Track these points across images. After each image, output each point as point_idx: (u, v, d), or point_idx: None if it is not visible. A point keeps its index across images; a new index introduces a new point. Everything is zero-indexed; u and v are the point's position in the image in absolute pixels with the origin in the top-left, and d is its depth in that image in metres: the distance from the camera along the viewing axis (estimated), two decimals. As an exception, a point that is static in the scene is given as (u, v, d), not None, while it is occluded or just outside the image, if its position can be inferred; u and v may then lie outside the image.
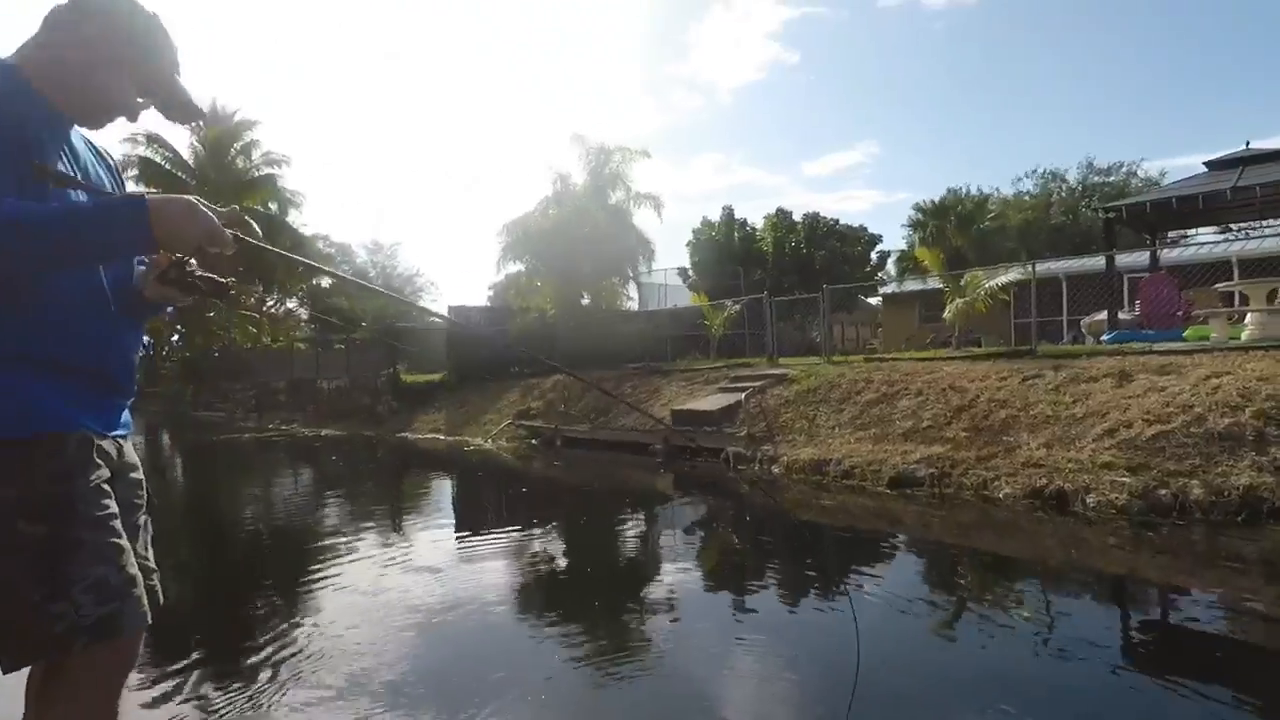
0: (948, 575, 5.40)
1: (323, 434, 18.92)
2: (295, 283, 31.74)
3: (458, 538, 7.03)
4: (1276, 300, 9.34)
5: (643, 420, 12.44)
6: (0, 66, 1.25)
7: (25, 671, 1.27)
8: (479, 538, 7.00)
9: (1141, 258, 14.63)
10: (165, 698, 3.24)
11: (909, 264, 22.81)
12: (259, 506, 9.76)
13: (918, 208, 24.66)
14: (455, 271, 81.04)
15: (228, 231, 1.28)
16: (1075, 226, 27.06)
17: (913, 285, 22.06)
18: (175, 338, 30.60)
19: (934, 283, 18.13)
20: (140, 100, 1.38)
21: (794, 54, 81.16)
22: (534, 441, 14.51)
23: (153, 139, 27.38)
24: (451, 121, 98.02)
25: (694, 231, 24.32)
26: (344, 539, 6.88)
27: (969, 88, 74.15)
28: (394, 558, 6.01)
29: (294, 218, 29.62)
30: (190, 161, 28.25)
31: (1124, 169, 32.09)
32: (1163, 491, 6.00)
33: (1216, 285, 9.82)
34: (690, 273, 24.67)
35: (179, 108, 1.43)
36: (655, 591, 5.06)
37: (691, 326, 19.01)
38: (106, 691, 1.27)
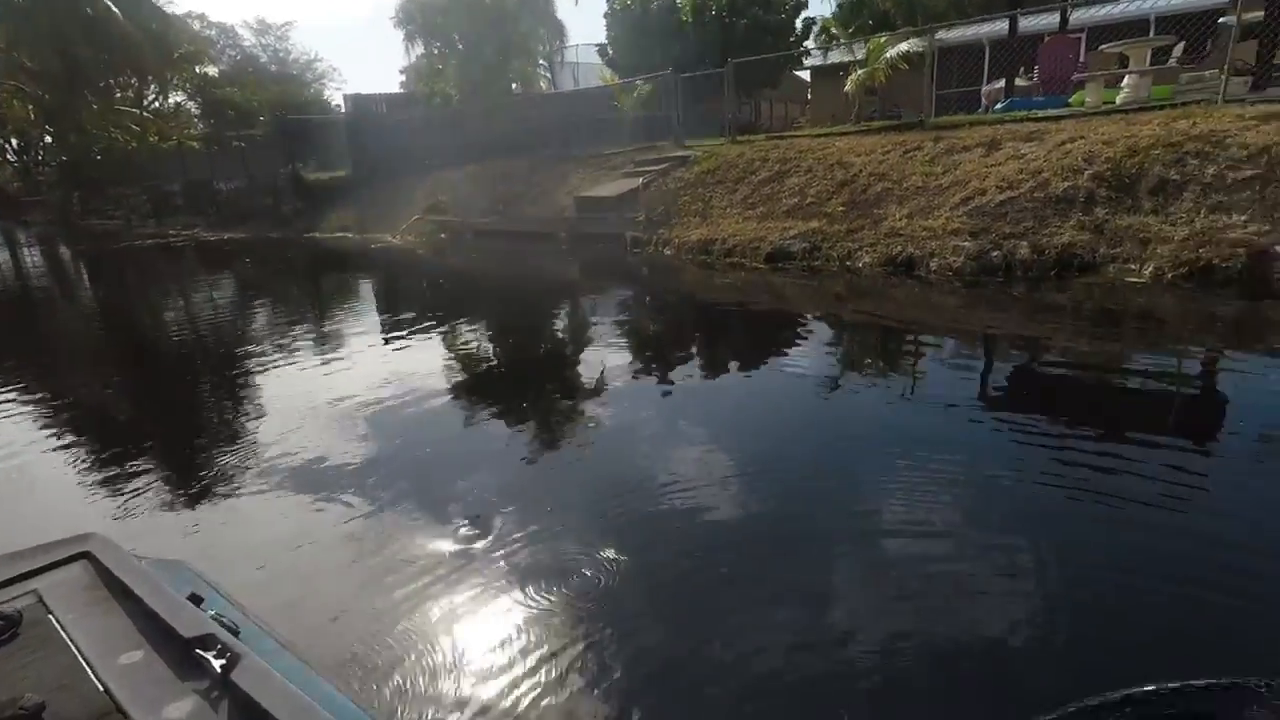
0: (813, 341, 5.95)
1: (226, 238, 18.27)
2: (177, 72, 28.51)
3: (386, 332, 7.20)
4: (1152, 61, 9.44)
5: (547, 208, 12.39)
6: None
7: None
8: (407, 330, 7.18)
9: (1054, 20, 14.23)
10: (99, 503, 3.34)
11: (829, 33, 21.62)
12: (179, 311, 9.75)
13: (849, -35, 22.97)
14: (363, 58, 73.35)
15: None
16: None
17: (838, 57, 21.14)
18: (46, 139, 27.74)
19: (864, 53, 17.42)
20: None
21: None
22: (443, 235, 14.40)
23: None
24: None
25: (609, 2, 22.20)
26: (272, 339, 7.08)
27: None
28: (325, 354, 6.21)
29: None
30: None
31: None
32: (994, 253, 6.54)
33: (1103, 46, 9.77)
34: (610, 50, 22.96)
35: None
36: (574, 372, 5.36)
37: (608, 108, 18.17)
38: None
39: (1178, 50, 10.59)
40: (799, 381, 4.67)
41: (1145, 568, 2.39)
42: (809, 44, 23.68)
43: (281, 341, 6.85)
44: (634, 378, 5.08)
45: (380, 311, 8.73)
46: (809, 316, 6.73)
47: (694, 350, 5.92)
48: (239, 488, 3.44)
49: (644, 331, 6.80)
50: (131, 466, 3.80)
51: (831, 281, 7.45)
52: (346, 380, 5.21)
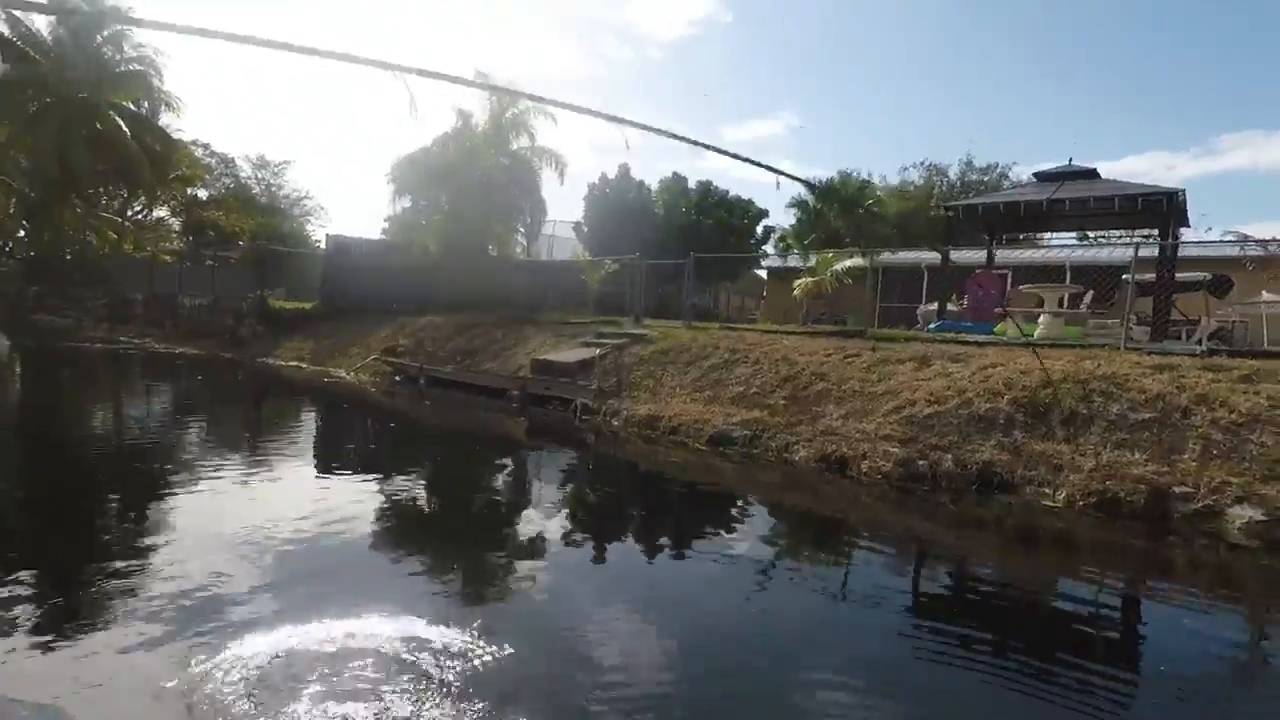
0: (751, 529, 6.09)
1: (179, 352, 18.03)
2: (167, 189, 29.47)
3: (319, 467, 7.27)
4: (1067, 304, 10.58)
5: (504, 366, 12.66)
6: None
7: None
8: (342, 468, 7.26)
9: (983, 255, 15.99)
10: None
11: (785, 242, 23.73)
12: (104, 421, 9.40)
13: (808, 184, 25.73)
14: (351, 200, 76.98)
15: None
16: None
17: (794, 262, 23.05)
18: (20, 232, 27.78)
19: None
20: None
21: (728, 12, 79.91)
22: (397, 378, 14.48)
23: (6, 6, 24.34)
24: (358, 38, 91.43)
25: (589, 186, 24.27)
26: (203, 459, 7.07)
27: (891, 69, 76.22)
28: (254, 482, 6.21)
29: (168, 120, 27.26)
30: (48, 39, 25.36)
31: (998, 170, 34.38)
32: (921, 462, 6.87)
33: (1022, 286, 10.97)
34: (585, 227, 24.71)
35: None
36: (505, 533, 5.45)
37: (577, 280, 19.23)
38: None
39: (1088, 298, 11.91)
40: (733, 569, 4.68)
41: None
42: (767, 248, 25.88)
43: (206, 464, 6.70)
44: (565, 546, 5.08)
45: (320, 445, 8.69)
46: (748, 503, 6.89)
47: (630, 526, 5.96)
48: (127, 626, 3.22)
49: (583, 500, 6.84)
50: (6, 595, 3.53)
51: (769, 471, 7.64)
52: (273, 510, 5.11)
